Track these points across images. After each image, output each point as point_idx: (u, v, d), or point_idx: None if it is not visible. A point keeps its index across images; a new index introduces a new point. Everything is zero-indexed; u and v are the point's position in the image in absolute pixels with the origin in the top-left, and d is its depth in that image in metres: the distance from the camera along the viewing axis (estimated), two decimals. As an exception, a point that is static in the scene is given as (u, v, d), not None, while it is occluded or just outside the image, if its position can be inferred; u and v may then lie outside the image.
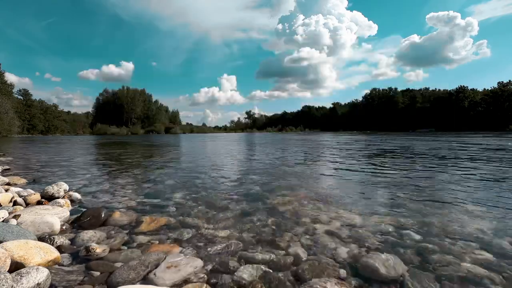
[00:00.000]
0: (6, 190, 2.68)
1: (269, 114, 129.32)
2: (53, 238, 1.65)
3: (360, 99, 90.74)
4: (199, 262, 1.41)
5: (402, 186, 3.30)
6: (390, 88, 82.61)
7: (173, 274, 1.28)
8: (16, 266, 1.24)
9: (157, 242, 1.70)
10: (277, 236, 1.79)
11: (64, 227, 1.91)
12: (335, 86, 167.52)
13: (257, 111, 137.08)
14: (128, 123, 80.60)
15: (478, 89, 64.99)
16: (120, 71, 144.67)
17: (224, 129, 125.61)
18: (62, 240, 1.66)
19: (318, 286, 1.20)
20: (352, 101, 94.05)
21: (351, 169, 4.75)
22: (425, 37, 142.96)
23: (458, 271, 1.34)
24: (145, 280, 1.27)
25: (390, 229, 1.88)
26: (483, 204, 2.46)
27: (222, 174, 4.33)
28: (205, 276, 1.31)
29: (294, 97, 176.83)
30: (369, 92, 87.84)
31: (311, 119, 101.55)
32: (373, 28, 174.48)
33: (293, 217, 2.17)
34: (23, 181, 3.64)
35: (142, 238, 1.74)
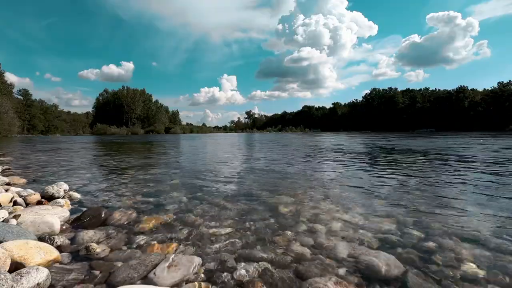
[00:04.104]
0: (6, 190, 2.68)
1: (269, 114, 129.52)
2: (53, 238, 1.65)
3: (360, 99, 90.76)
4: (199, 261, 1.41)
5: (403, 186, 3.30)
6: (390, 88, 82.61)
7: (173, 273, 1.29)
8: (16, 266, 1.24)
9: (157, 241, 1.70)
10: (277, 234, 1.79)
11: (64, 227, 1.91)
12: (335, 86, 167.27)
13: (257, 111, 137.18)
14: (128, 123, 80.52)
15: (478, 89, 65.00)
16: (120, 71, 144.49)
17: (224, 129, 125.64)
18: (62, 240, 1.66)
19: (318, 285, 1.20)
20: (352, 101, 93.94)
21: (352, 169, 4.75)
22: (425, 37, 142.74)
23: (458, 271, 1.34)
24: (145, 279, 1.27)
25: (390, 229, 1.88)
26: (483, 204, 2.47)
27: (221, 174, 4.33)
28: (205, 275, 1.31)
29: (294, 97, 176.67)
30: (369, 92, 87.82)
31: (311, 119, 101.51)
32: (373, 28, 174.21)
33: (293, 216, 2.17)
34: (23, 181, 3.64)
35: (142, 238, 1.74)
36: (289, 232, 1.83)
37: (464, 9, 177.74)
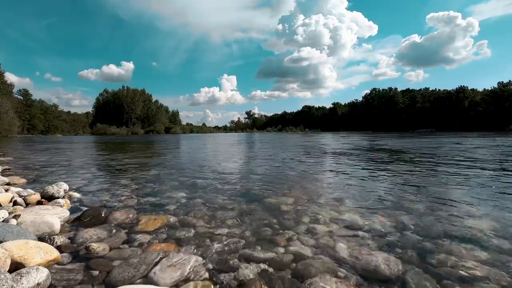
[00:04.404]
0: (6, 190, 2.68)
1: (269, 114, 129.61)
2: (53, 238, 1.65)
3: (360, 99, 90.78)
4: (199, 261, 1.41)
5: (403, 186, 3.30)
6: (390, 88, 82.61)
7: (173, 273, 1.29)
8: (16, 266, 1.24)
9: (157, 241, 1.70)
10: (277, 234, 1.79)
11: (64, 227, 1.90)
12: (335, 86, 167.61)
13: (257, 111, 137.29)
14: (128, 123, 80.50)
15: (478, 89, 64.98)
16: (120, 71, 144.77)
17: (224, 129, 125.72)
18: (62, 239, 1.66)
19: (318, 285, 1.20)
20: (352, 101, 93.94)
21: (352, 169, 4.75)
22: (425, 37, 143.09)
23: (458, 271, 1.34)
24: (145, 278, 1.27)
25: (390, 229, 1.88)
26: (483, 204, 2.47)
27: (222, 174, 4.32)
28: (206, 275, 1.31)
29: (294, 97, 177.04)
30: (369, 92, 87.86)
31: (311, 119, 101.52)
32: (373, 29, 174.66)
33: (293, 216, 2.17)
34: (23, 181, 3.64)
35: (142, 237, 1.74)
36: (289, 232, 1.83)
37: (464, 9, 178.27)
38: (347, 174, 4.24)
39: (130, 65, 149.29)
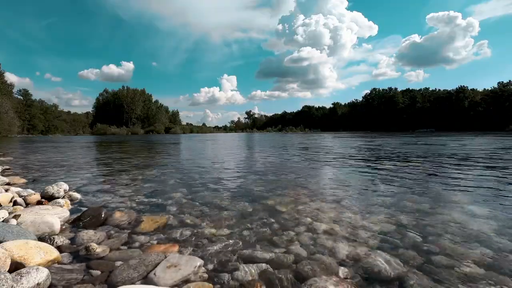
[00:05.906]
0: (6, 190, 2.68)
1: (269, 114, 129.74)
2: (53, 238, 1.65)
3: (360, 99, 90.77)
4: (199, 262, 1.41)
5: (403, 186, 3.30)
6: (390, 88, 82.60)
7: (173, 274, 1.28)
8: (16, 266, 1.24)
9: (157, 241, 1.70)
10: (277, 235, 1.79)
11: (64, 227, 1.90)
12: (335, 86, 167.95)
13: (257, 111, 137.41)
14: (128, 123, 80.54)
15: (478, 89, 64.97)
16: (120, 71, 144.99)
17: (224, 129, 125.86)
18: (62, 240, 1.66)
19: (318, 285, 1.20)
20: (352, 101, 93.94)
21: (352, 170, 4.75)
22: (425, 37, 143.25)
23: (458, 271, 1.34)
24: (145, 279, 1.27)
25: (390, 229, 1.88)
26: (483, 204, 2.46)
27: (221, 174, 4.32)
28: (206, 276, 1.31)
29: (294, 97, 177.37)
30: (369, 92, 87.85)
31: (311, 119, 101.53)
32: (374, 29, 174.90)
33: (293, 216, 2.17)
34: (23, 181, 3.64)
35: (142, 238, 1.74)
36: (289, 233, 1.83)
37: (464, 9, 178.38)
38: (347, 174, 4.24)
39: (130, 65, 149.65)
